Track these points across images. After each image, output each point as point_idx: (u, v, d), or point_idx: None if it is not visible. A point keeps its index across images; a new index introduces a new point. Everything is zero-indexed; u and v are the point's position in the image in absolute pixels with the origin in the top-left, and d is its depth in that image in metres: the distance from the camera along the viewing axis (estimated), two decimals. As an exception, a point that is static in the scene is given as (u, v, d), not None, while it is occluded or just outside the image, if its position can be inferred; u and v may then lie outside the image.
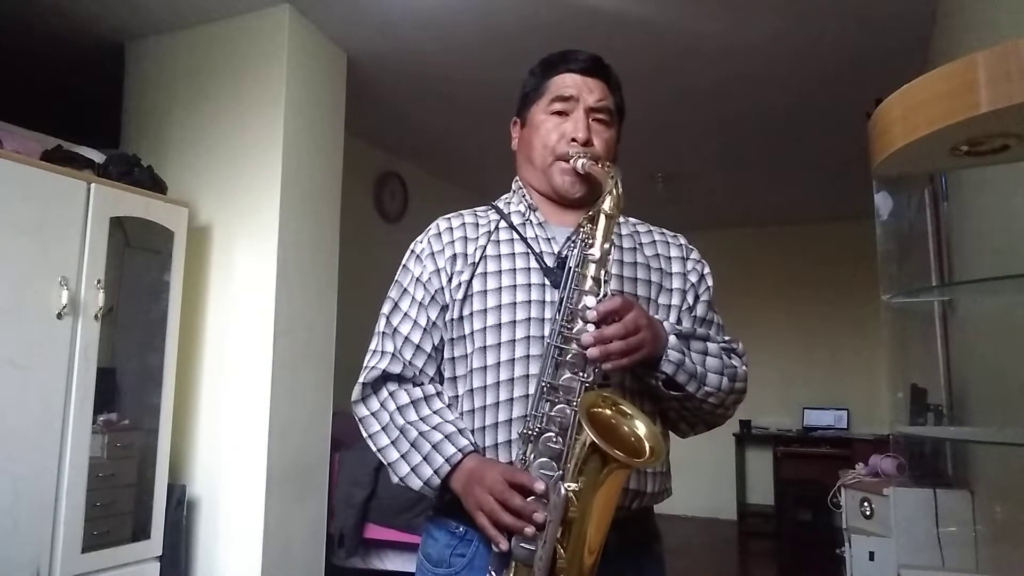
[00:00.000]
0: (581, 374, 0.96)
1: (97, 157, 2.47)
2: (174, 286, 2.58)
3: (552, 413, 0.95)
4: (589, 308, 0.96)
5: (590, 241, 1.01)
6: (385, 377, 1.12)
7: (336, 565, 3.15)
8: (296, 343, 2.77)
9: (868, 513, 2.79)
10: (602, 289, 0.99)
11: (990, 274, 1.95)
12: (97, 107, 3.14)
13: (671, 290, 1.16)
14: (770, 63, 3.28)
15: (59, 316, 2.15)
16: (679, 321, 1.15)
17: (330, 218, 3.04)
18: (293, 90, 2.83)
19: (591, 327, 0.95)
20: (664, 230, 1.26)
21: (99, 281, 2.27)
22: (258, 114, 2.81)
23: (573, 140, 1.13)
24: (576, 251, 1.03)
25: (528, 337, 1.06)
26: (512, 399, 1.04)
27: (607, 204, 1.02)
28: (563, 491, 0.89)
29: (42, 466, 2.09)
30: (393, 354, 1.12)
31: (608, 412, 0.95)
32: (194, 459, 2.72)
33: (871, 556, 2.64)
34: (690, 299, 1.17)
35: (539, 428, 0.96)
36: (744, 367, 1.15)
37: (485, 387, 1.06)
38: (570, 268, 1.02)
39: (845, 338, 6.08)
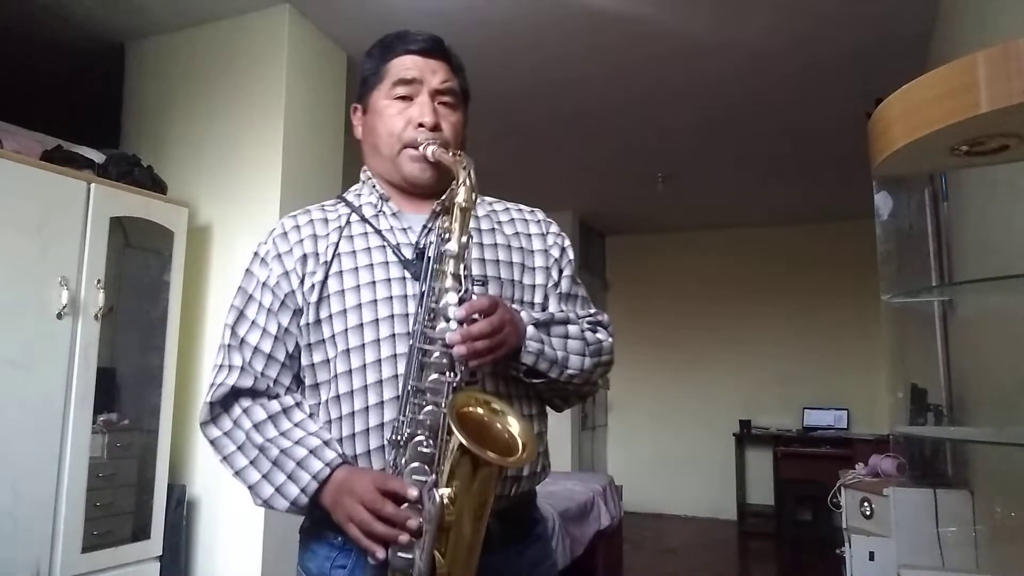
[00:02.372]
0: (448, 374, 0.92)
1: (97, 157, 2.46)
2: (174, 286, 2.58)
3: (420, 417, 0.91)
4: (452, 305, 0.93)
5: (447, 236, 0.96)
6: (236, 393, 1.04)
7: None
8: (296, 343, 2.77)
9: (868, 513, 2.79)
10: (463, 285, 0.96)
11: (990, 274, 1.95)
12: (97, 107, 3.14)
13: (534, 268, 1.13)
14: (771, 63, 3.28)
15: (59, 316, 2.15)
16: (545, 298, 1.13)
17: (330, 218, 3.03)
18: (293, 90, 2.82)
19: (455, 325, 0.92)
20: (522, 206, 1.22)
21: (99, 281, 2.27)
22: (258, 114, 2.81)
23: (420, 125, 1.07)
24: (433, 247, 0.98)
25: (393, 335, 1.00)
26: (383, 402, 0.99)
27: (461, 196, 0.97)
28: (438, 498, 0.85)
29: (42, 466, 2.09)
30: (242, 367, 1.04)
31: (480, 411, 0.93)
32: (194, 459, 2.72)
33: (871, 556, 2.64)
34: (555, 275, 1.15)
35: (408, 432, 0.92)
36: (610, 338, 1.13)
37: (352, 391, 1.00)
38: (429, 264, 0.98)
39: (845, 338, 6.08)
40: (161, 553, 2.46)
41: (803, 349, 6.29)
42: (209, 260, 2.81)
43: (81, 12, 2.85)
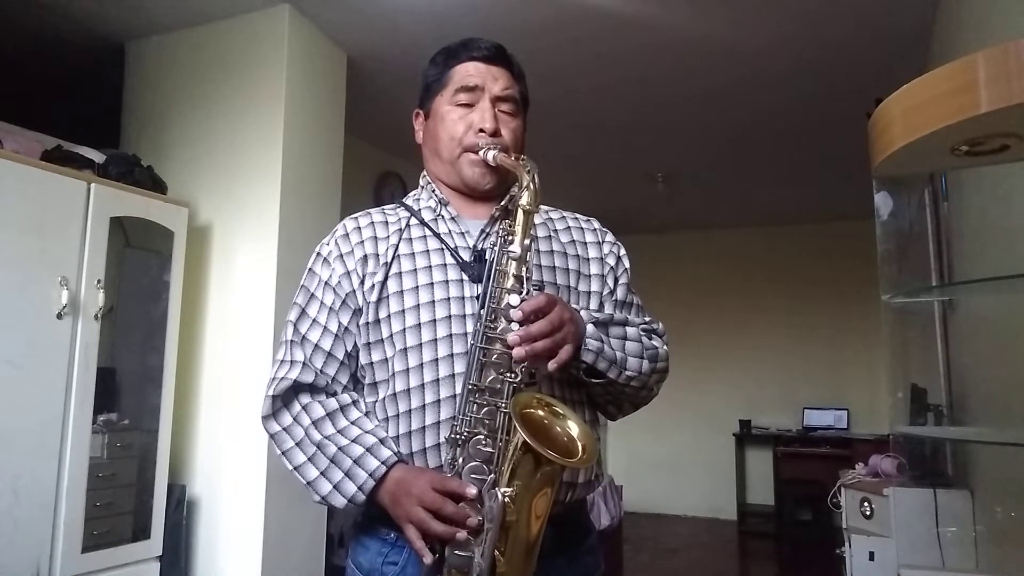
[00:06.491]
0: (508, 375, 0.93)
1: (97, 157, 2.46)
2: (174, 286, 2.58)
3: (480, 415, 0.92)
4: (513, 307, 0.94)
5: (510, 238, 0.98)
6: (296, 388, 1.06)
7: (336, 565, 3.15)
8: (296, 343, 2.76)
9: (868, 513, 2.79)
10: (524, 287, 0.97)
11: (990, 274, 1.95)
12: (97, 107, 3.13)
13: (590, 276, 1.15)
14: (770, 63, 3.28)
15: (59, 316, 2.15)
16: (601, 306, 1.13)
17: (330, 218, 3.03)
18: (293, 90, 2.82)
19: (515, 326, 0.93)
20: (577, 215, 1.23)
21: (99, 281, 2.27)
22: (258, 114, 2.81)
23: (481, 131, 1.09)
24: (496, 248, 1.00)
25: (451, 335, 1.02)
26: (439, 400, 1.01)
27: (524, 199, 0.98)
28: (500, 496, 0.86)
29: (42, 466, 2.09)
30: (303, 363, 1.07)
31: (540, 413, 0.94)
32: (194, 459, 2.72)
33: (871, 556, 2.64)
34: (610, 283, 1.16)
35: (467, 431, 0.93)
36: (665, 347, 1.13)
37: (409, 390, 1.02)
38: (491, 266, 0.99)
39: (845, 338, 6.08)
40: (161, 553, 2.46)
41: (803, 349, 6.29)
42: (209, 260, 2.81)
43: (81, 12, 2.85)
